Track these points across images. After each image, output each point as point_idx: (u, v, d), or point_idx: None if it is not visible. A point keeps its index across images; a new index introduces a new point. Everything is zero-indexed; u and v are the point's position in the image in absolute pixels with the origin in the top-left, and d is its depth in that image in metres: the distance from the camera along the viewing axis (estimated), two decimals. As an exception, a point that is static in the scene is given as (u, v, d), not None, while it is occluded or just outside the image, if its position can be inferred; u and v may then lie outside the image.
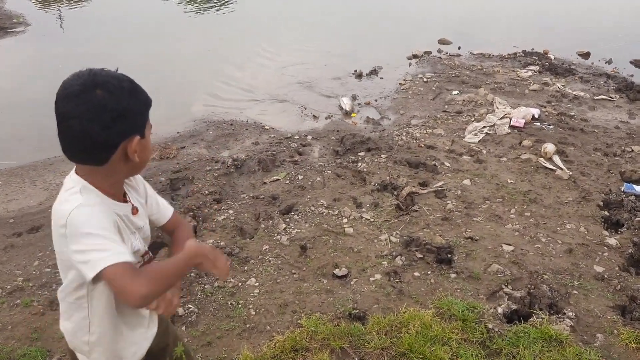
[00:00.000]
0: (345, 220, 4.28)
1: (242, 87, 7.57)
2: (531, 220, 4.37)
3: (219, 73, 8.02)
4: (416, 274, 3.67)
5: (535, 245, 4.02)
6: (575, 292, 3.53)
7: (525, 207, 4.56)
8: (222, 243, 3.95)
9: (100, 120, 1.39)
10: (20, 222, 4.30)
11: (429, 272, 3.69)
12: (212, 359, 2.95)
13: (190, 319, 3.22)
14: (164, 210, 1.84)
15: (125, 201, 1.63)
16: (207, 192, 4.71)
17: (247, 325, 3.19)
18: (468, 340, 3.05)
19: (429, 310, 3.26)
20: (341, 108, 5.93)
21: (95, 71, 1.44)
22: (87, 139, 1.40)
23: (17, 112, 6.49)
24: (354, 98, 7.22)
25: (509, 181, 4.96)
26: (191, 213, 4.35)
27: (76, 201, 1.42)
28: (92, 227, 1.38)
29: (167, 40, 9.42)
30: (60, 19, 10.69)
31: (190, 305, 3.30)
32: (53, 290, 3.47)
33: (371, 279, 3.61)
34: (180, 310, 3.25)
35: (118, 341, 1.70)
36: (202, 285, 3.51)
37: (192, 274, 3.60)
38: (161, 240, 3.77)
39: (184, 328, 3.15)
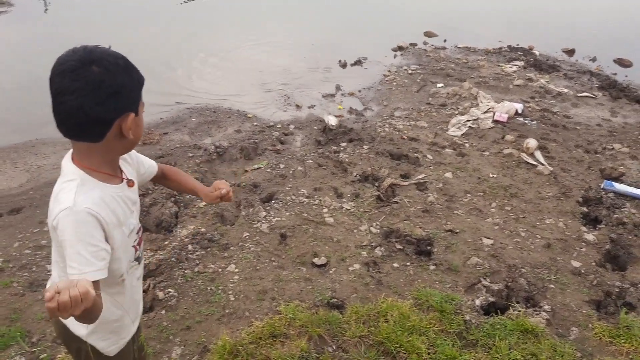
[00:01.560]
0: (325, 210, 4.27)
1: (225, 75, 7.51)
2: (511, 214, 4.41)
3: (202, 61, 7.93)
4: (395, 264, 3.68)
5: (515, 240, 4.06)
6: (552, 286, 3.57)
7: (506, 201, 4.59)
8: (202, 229, 3.92)
9: (96, 96, 1.38)
10: (1, 204, 4.21)
11: (408, 264, 3.71)
12: (191, 342, 2.93)
13: (170, 302, 3.19)
14: (149, 164, 1.88)
15: (121, 179, 1.62)
16: (188, 178, 4.65)
17: (227, 311, 3.17)
18: (445, 331, 3.07)
19: (408, 300, 3.27)
20: (326, 124, 5.77)
21: (90, 48, 1.43)
22: (82, 115, 1.39)
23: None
24: (337, 88, 7.20)
25: (491, 175, 4.99)
26: (172, 199, 4.31)
27: (69, 199, 1.41)
28: (77, 235, 1.39)
29: (152, 26, 9.29)
30: (44, 1, 10.46)
31: (170, 290, 3.28)
32: (33, 272, 3.42)
33: (350, 268, 3.62)
34: (160, 294, 3.23)
35: (116, 324, 1.73)
36: (183, 270, 3.48)
37: (173, 259, 3.57)
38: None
39: (163, 312, 3.13)
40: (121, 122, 1.46)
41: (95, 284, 1.38)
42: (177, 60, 7.92)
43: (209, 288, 3.35)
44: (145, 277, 3.39)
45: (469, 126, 6.01)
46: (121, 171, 1.64)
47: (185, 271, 3.46)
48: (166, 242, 3.76)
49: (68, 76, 1.38)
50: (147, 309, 3.17)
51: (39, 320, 3.03)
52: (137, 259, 1.72)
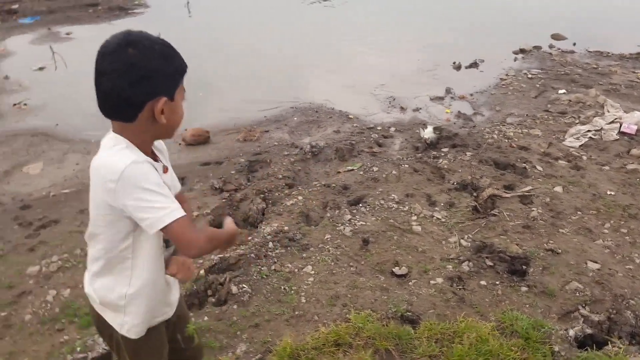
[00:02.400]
0: (414, 218, 4.07)
1: (333, 75, 7.51)
2: (627, 237, 3.89)
3: (312, 61, 8.01)
4: (483, 282, 3.40)
5: (627, 266, 3.57)
6: (667, 324, 3.08)
7: (622, 222, 4.07)
8: (286, 227, 3.91)
9: (128, 78, 1.44)
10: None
11: (497, 282, 3.40)
12: (257, 341, 2.92)
13: (242, 298, 3.22)
14: (177, 182, 1.85)
15: (156, 160, 1.66)
16: (281, 176, 4.70)
17: (296, 312, 3.12)
18: (528, 361, 2.76)
19: (489, 323, 3.00)
20: (420, 136, 5.45)
21: (130, 31, 1.49)
22: (115, 95, 1.46)
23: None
24: (448, 91, 6.89)
25: (608, 192, 4.45)
26: (262, 195, 4.37)
27: (128, 158, 1.45)
28: (150, 184, 1.45)
29: (274, 28, 9.57)
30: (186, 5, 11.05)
31: (244, 285, 3.30)
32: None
33: (432, 282, 3.40)
34: (234, 289, 3.26)
35: (156, 295, 1.75)
36: (260, 266, 3.49)
37: (253, 255, 3.60)
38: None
39: (235, 307, 3.15)
40: (153, 106, 1.49)
41: (184, 220, 1.47)
42: (288, 59, 8.07)
43: (282, 287, 3.32)
44: (223, 271, 3.45)
45: (590, 137, 5.43)
46: (155, 157, 1.67)
47: (262, 268, 3.47)
48: (249, 238, 3.81)
49: (107, 58, 1.45)
50: (221, 302, 3.22)
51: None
52: (165, 242, 1.72)
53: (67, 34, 8.64)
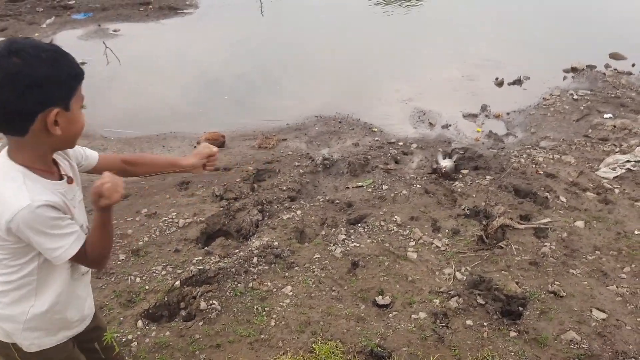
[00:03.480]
0: (412, 243, 3.85)
1: (366, 84, 7.33)
2: (647, 285, 3.52)
3: (348, 68, 7.86)
4: (469, 322, 3.15)
5: (638, 319, 3.22)
6: (670, 391, 2.74)
7: (645, 267, 3.69)
8: (275, 243, 3.79)
9: (14, 88, 1.36)
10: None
11: (485, 324, 3.14)
12: (213, 362, 2.82)
13: (210, 315, 3.12)
14: (91, 155, 1.81)
15: (60, 176, 1.60)
16: (285, 187, 4.59)
17: (262, 336, 2.99)
18: (496, 418, 2.51)
19: (463, 369, 2.76)
20: (436, 162, 5.00)
21: (14, 39, 1.41)
22: (2, 108, 1.38)
23: (157, 85, 6.99)
24: (483, 109, 6.56)
25: (637, 232, 4.06)
26: (260, 207, 4.26)
27: (24, 199, 1.41)
28: (45, 227, 1.45)
29: (316, 32, 9.48)
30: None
31: (214, 302, 3.20)
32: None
33: (414, 316, 3.18)
34: (203, 305, 3.17)
35: (62, 314, 1.69)
36: (237, 283, 3.39)
37: (233, 269, 3.50)
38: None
39: (200, 324, 3.06)
40: (45, 117, 1.41)
41: (78, 253, 1.53)
42: (324, 65, 7.96)
43: (255, 307, 3.20)
44: (200, 283, 3.37)
45: (628, 168, 4.99)
46: (58, 167, 1.61)
47: (238, 285, 3.36)
48: (236, 250, 3.71)
49: None
50: (190, 317, 3.14)
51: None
52: None
53: (115, 30, 8.88)
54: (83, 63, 7.54)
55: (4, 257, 1.55)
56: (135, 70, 7.50)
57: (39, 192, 1.45)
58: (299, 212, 4.22)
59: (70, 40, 8.41)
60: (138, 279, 3.38)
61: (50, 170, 1.56)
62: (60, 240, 1.48)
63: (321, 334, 3.00)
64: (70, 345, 1.81)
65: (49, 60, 1.40)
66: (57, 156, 1.63)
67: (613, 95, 6.84)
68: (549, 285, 3.45)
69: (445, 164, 4.93)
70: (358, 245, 3.81)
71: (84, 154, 1.78)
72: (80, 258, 1.55)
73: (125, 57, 7.70)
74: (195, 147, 5.38)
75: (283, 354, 2.84)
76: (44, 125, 1.42)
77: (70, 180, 1.63)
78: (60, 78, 1.42)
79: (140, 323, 3.03)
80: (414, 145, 5.53)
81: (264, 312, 3.17)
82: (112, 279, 3.37)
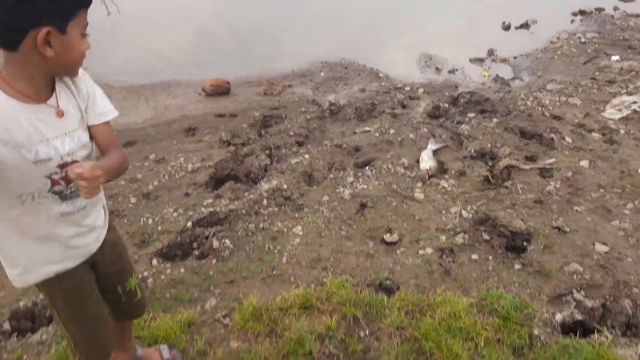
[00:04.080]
0: (419, 184, 3.91)
1: (372, 30, 7.22)
2: (649, 220, 3.59)
3: (353, 14, 7.74)
4: (474, 256, 3.24)
5: (640, 251, 3.30)
6: (668, 317, 2.83)
7: (648, 204, 3.74)
8: (284, 186, 3.85)
9: (6, 1, 1.34)
10: (121, 135, 4.58)
11: (490, 258, 3.23)
12: (229, 297, 2.92)
13: (223, 253, 3.21)
14: (98, 113, 1.67)
15: (43, 102, 1.53)
16: (292, 133, 4.62)
17: (274, 272, 3.09)
18: (500, 342, 2.62)
19: (469, 299, 2.86)
20: (418, 162, 4.15)
21: None
22: None
23: (159, 34, 6.91)
24: (490, 53, 6.50)
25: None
26: (268, 151, 4.31)
27: None
28: None
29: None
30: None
31: (227, 241, 3.29)
32: (118, 202, 3.69)
33: (421, 251, 3.27)
34: (216, 244, 3.26)
35: (32, 245, 1.65)
36: (248, 223, 3.47)
37: (244, 211, 3.58)
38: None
39: (214, 261, 3.16)
40: (36, 34, 1.39)
41: None
42: (327, 11, 7.83)
43: (267, 246, 3.29)
44: (212, 224, 3.46)
45: (634, 109, 4.99)
46: (55, 94, 1.55)
47: (249, 225, 3.44)
48: (246, 193, 3.78)
49: None
50: (204, 256, 3.24)
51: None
52: (62, 196, 1.61)
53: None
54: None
55: None
56: (136, 20, 7.38)
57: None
58: (306, 156, 4.27)
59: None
60: (150, 221, 3.47)
61: (33, 96, 1.50)
62: None
63: (331, 270, 3.10)
64: (83, 277, 1.81)
65: None
66: (61, 88, 1.58)
67: (621, 38, 6.75)
68: (553, 222, 3.52)
69: (428, 164, 4.06)
70: (366, 187, 3.87)
71: (97, 107, 1.67)
72: None
73: (125, 6, 7.57)
74: (200, 94, 5.39)
75: (295, 287, 2.94)
76: (34, 44, 1.40)
77: (60, 114, 1.55)
78: None
79: (155, 261, 3.13)
80: (421, 90, 5.52)
81: (276, 251, 3.26)
82: (125, 221, 3.46)
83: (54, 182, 1.58)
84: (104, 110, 1.68)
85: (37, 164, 1.51)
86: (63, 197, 1.62)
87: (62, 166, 1.57)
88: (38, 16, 1.38)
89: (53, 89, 1.56)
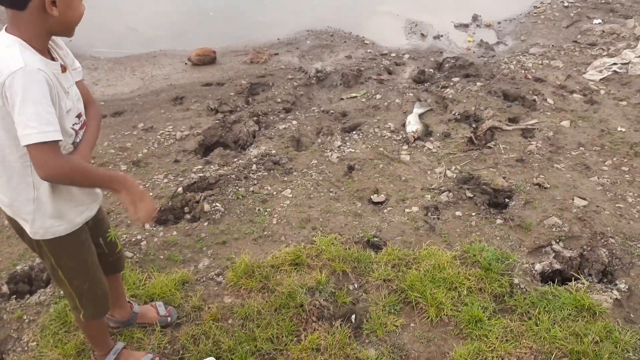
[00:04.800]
0: (405, 147, 4.00)
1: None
2: (627, 176, 3.71)
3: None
4: (458, 213, 3.35)
5: (617, 204, 3.43)
6: (641, 264, 2.98)
7: (625, 160, 3.87)
8: (273, 151, 3.92)
9: None
10: (109, 106, 4.60)
11: (473, 214, 3.35)
12: (221, 257, 3.01)
13: (214, 216, 3.29)
14: (77, 71, 1.84)
15: (54, 59, 1.67)
16: (280, 100, 4.67)
17: (265, 233, 3.19)
18: (482, 291, 2.75)
19: (453, 252, 2.98)
20: (404, 126, 4.23)
21: None
22: None
23: (143, 5, 6.84)
24: (474, 19, 6.54)
25: (619, 129, 4.21)
26: (255, 118, 4.37)
27: (18, 62, 1.47)
28: (33, 95, 1.47)
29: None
30: None
31: (217, 204, 3.37)
32: (108, 170, 3.73)
33: (407, 210, 3.38)
34: (207, 207, 3.34)
35: (69, 193, 1.76)
36: (237, 187, 3.55)
37: (234, 176, 3.65)
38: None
39: (205, 224, 3.24)
40: None
41: (56, 144, 1.52)
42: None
43: (257, 209, 3.38)
44: (202, 189, 3.53)
45: (614, 70, 5.08)
46: (55, 51, 1.70)
47: (239, 189, 3.52)
48: (235, 159, 3.85)
49: None
50: (195, 219, 3.32)
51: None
52: (74, 144, 1.75)
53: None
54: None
55: (3, 132, 1.58)
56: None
57: (33, 60, 1.52)
58: (294, 122, 4.33)
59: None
60: (141, 187, 3.53)
61: (43, 51, 1.62)
62: (38, 120, 1.47)
63: (321, 229, 3.20)
64: (86, 230, 1.92)
65: None
66: (53, 47, 1.71)
67: (603, 2, 6.81)
68: (534, 179, 3.64)
69: (415, 127, 4.13)
70: (353, 150, 3.96)
71: (74, 64, 1.83)
72: (44, 155, 1.51)
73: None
74: (186, 63, 5.40)
75: (286, 246, 3.04)
76: (41, 3, 1.50)
77: (63, 69, 1.69)
78: None
79: (147, 225, 3.20)
80: (406, 56, 5.57)
81: (266, 213, 3.35)
82: (119, 187, 3.52)
83: (74, 132, 1.72)
84: (79, 68, 1.86)
85: (68, 113, 1.65)
86: (76, 145, 1.77)
87: (79, 116, 1.74)
88: None
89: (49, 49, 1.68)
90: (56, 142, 1.53)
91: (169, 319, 2.52)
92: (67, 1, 1.55)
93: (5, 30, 1.57)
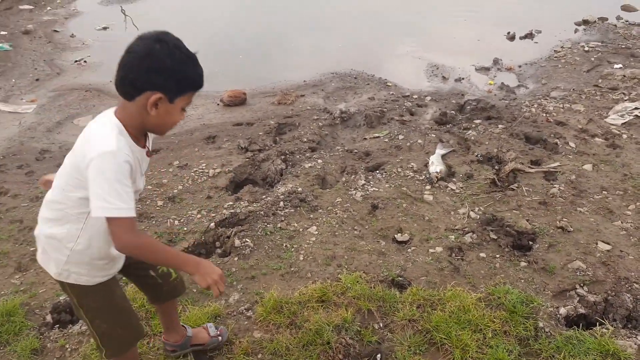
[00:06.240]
0: (428, 187, 4.09)
1: (380, 41, 7.44)
2: (650, 221, 3.74)
3: (361, 26, 7.96)
4: (482, 254, 3.41)
5: (641, 250, 3.46)
6: (667, 310, 2.99)
7: (649, 205, 3.90)
8: (299, 189, 4.04)
9: (142, 63, 1.66)
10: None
11: (497, 256, 3.40)
12: (250, 291, 3.09)
13: (244, 251, 3.40)
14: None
15: (144, 146, 1.86)
16: (305, 139, 4.82)
17: (292, 269, 3.27)
18: (507, 334, 2.78)
19: (477, 294, 3.02)
20: (426, 166, 4.32)
21: (166, 33, 1.71)
22: (127, 71, 1.68)
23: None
24: (495, 62, 6.69)
25: (642, 173, 4.26)
26: (283, 157, 4.51)
27: (112, 144, 1.65)
28: (117, 175, 1.64)
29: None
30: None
31: (247, 240, 3.48)
32: (146, 204, 3.88)
33: (431, 250, 3.44)
34: (237, 242, 3.45)
35: (98, 261, 1.92)
36: (266, 223, 3.66)
37: (262, 212, 3.76)
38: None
39: (236, 259, 3.34)
40: (149, 96, 1.67)
41: (133, 220, 1.67)
42: (336, 24, 8.06)
43: (284, 244, 3.48)
44: (233, 225, 3.65)
45: (636, 115, 5.15)
46: (146, 139, 1.88)
47: (268, 225, 3.63)
48: (263, 196, 3.97)
49: (138, 42, 1.68)
50: (226, 254, 3.42)
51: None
52: None
53: (132, -5, 9.02)
54: (105, 28, 7.73)
55: (68, 189, 1.79)
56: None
57: (124, 146, 1.69)
58: (319, 161, 4.46)
59: (91, 5, 8.58)
60: (177, 222, 3.67)
61: (138, 138, 1.80)
62: (115, 197, 1.61)
63: (346, 266, 3.28)
64: (114, 283, 2.04)
65: (180, 59, 1.68)
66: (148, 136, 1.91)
67: (624, 46, 6.93)
68: (557, 222, 3.69)
69: (438, 168, 4.23)
70: (377, 189, 4.06)
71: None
72: (119, 228, 1.65)
73: (143, 21, 7.86)
74: (218, 104, 5.60)
75: (312, 283, 3.12)
76: (145, 101, 1.68)
77: (148, 154, 1.91)
78: (178, 75, 1.68)
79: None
80: (428, 98, 5.71)
81: (293, 249, 3.44)
82: (153, 222, 3.66)
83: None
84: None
85: (136, 192, 1.83)
86: None
87: (141, 194, 1.95)
88: (159, 85, 1.67)
89: (146, 135, 1.88)
90: (132, 218, 1.68)
91: (220, 338, 2.64)
92: (169, 108, 1.72)
93: (114, 110, 1.76)
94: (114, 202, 1.61)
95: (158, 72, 1.65)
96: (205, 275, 1.80)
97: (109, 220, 1.65)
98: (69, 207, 1.82)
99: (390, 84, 6.10)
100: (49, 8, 8.40)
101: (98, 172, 1.62)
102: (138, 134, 1.79)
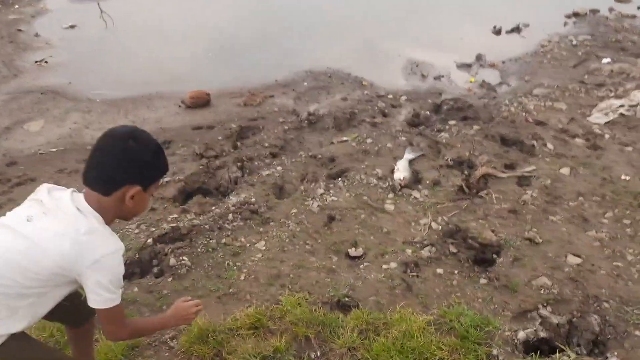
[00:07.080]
0: (390, 195, 3.81)
1: (358, 36, 7.14)
2: (628, 230, 3.45)
3: (338, 20, 7.67)
4: (439, 270, 3.13)
5: (615, 263, 3.16)
6: (638, 333, 2.70)
7: (628, 212, 3.61)
8: (253, 199, 3.77)
9: (120, 161, 1.66)
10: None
11: (456, 272, 3.12)
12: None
13: (180, 271, 3.13)
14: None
15: None
16: (267, 144, 4.55)
17: (230, 290, 3.00)
18: (456, 363, 2.51)
19: (427, 316, 2.74)
20: (392, 172, 4.07)
21: (135, 128, 1.75)
22: (101, 171, 1.68)
23: (144, 47, 6.90)
24: (478, 58, 6.39)
25: (623, 177, 3.96)
26: (239, 163, 4.24)
27: (113, 245, 1.69)
28: (119, 274, 1.71)
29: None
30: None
31: (184, 258, 3.21)
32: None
33: (384, 266, 3.17)
34: (173, 261, 3.19)
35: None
36: (209, 239, 3.39)
37: (207, 226, 3.50)
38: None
39: (170, 279, 3.08)
40: (127, 189, 1.69)
41: (114, 311, 1.73)
42: (311, 20, 7.77)
43: (226, 262, 3.21)
44: (173, 240, 3.39)
45: (621, 113, 4.85)
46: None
47: (211, 241, 3.37)
48: (213, 208, 3.71)
49: (109, 140, 1.67)
50: (157, 274, 3.16)
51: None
52: None
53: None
54: (72, 26, 7.49)
55: (39, 286, 1.69)
56: (122, 33, 7.39)
57: (119, 241, 1.71)
58: (279, 168, 4.19)
59: (61, 3, 8.35)
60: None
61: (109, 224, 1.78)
62: (114, 291, 1.69)
63: (289, 287, 3.01)
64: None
65: (153, 151, 1.73)
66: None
67: (614, 40, 6.61)
68: (526, 232, 3.41)
69: (402, 175, 3.96)
70: (336, 199, 3.78)
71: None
72: (111, 317, 1.74)
73: (113, 19, 7.61)
74: (180, 106, 5.34)
75: (248, 306, 2.85)
76: (123, 195, 1.69)
77: None
78: (154, 167, 1.75)
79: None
80: (404, 98, 5.43)
81: (235, 267, 3.17)
82: (86, 238, 3.40)
83: None
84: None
85: None
86: None
87: None
88: (137, 179, 1.69)
89: None
90: (121, 307, 1.77)
91: None
92: (142, 197, 1.75)
93: (85, 198, 1.70)
94: (108, 298, 1.69)
95: (136, 167, 1.68)
96: (185, 318, 2.06)
97: (100, 312, 1.72)
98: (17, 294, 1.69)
99: (365, 83, 5.81)
100: (16, 6, 8.12)
101: (105, 272, 1.66)
102: (110, 222, 1.77)
